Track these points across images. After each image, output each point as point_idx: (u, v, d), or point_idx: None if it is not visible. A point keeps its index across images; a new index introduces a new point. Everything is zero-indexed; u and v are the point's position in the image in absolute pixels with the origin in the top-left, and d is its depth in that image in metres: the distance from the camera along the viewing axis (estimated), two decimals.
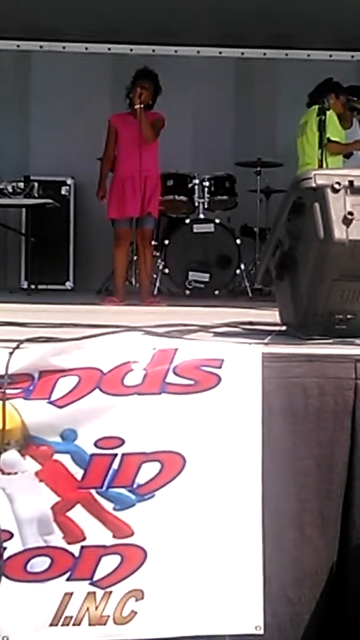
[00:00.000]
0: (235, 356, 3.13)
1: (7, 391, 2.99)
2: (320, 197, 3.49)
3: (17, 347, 3.06)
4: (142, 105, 7.55)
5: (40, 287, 9.10)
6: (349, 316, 3.64)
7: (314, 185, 3.51)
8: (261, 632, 3.05)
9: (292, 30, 9.68)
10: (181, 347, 3.13)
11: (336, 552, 3.21)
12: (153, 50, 9.93)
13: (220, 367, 3.08)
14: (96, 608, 3.02)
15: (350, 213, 3.48)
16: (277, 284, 3.82)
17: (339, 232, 3.46)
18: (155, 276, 8.54)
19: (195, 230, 8.84)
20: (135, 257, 8.46)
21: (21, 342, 3.09)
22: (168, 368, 3.06)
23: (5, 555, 3.01)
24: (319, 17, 9.30)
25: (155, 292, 8.46)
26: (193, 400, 3.06)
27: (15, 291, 9.05)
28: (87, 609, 3.02)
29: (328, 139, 7.40)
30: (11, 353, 3.03)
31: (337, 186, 3.49)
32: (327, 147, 7.36)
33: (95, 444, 3.02)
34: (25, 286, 9.26)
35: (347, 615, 3.19)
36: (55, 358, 3.04)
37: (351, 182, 3.51)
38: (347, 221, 3.47)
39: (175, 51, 10.04)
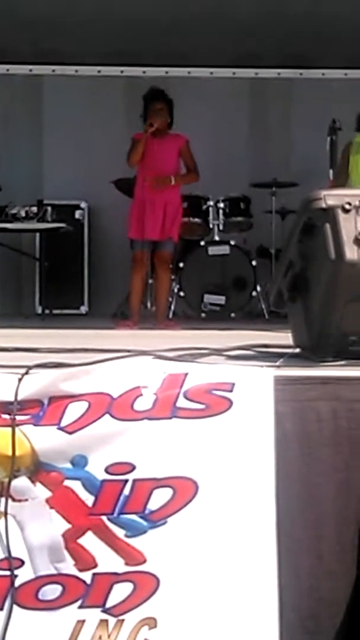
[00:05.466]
0: (246, 379, 3.09)
1: (17, 417, 2.98)
2: (330, 217, 3.46)
3: (26, 372, 3.04)
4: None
5: (54, 312, 9.06)
6: None
7: (324, 205, 3.48)
8: None
9: (306, 49, 9.66)
10: (192, 371, 3.10)
11: (353, 580, 3.16)
12: (166, 72, 9.90)
13: (231, 391, 3.05)
14: (109, 636, 2.99)
15: None
16: (290, 306, 3.79)
17: (350, 253, 3.43)
18: (170, 299, 8.50)
19: (210, 253, 8.81)
20: (151, 280, 8.43)
21: (30, 367, 3.07)
22: (179, 392, 3.03)
23: (17, 583, 2.99)
24: (332, 35, 9.28)
25: (171, 315, 8.42)
26: (204, 425, 3.03)
27: (30, 316, 9.02)
28: (100, 637, 2.99)
29: None
30: (20, 379, 3.02)
31: (347, 206, 3.45)
32: None
33: (106, 470, 2.99)
34: (39, 311, 9.23)
35: None
36: (64, 383, 3.02)
37: None
38: (358, 242, 3.44)
39: (189, 72, 10.00)
